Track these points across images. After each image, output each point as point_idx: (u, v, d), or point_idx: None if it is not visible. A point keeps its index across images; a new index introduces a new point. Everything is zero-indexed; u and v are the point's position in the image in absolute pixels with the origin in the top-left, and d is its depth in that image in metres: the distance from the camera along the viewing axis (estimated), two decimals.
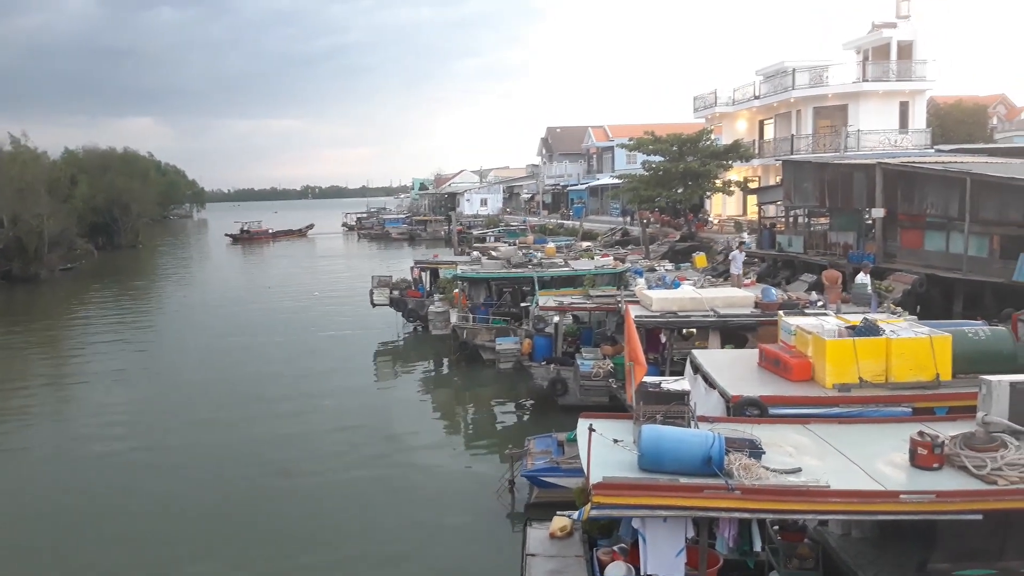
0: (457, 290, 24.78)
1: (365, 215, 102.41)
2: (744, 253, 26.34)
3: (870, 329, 10.18)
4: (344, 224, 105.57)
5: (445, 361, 24.10)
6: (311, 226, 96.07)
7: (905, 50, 39.07)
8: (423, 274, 30.07)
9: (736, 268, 24.42)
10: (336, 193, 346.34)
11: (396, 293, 28.87)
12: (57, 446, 17.27)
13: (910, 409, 9.40)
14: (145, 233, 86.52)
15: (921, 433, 7.41)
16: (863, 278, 18.60)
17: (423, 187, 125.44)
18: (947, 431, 7.75)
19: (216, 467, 15.41)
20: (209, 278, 54.34)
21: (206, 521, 12.93)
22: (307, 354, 25.67)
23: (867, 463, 7.42)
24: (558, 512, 9.24)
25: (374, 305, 29.13)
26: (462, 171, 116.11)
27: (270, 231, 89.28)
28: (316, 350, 26.30)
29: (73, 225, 58.09)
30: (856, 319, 10.99)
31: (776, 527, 8.46)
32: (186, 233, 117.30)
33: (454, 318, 24.05)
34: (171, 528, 12.67)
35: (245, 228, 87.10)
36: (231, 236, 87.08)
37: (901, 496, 6.64)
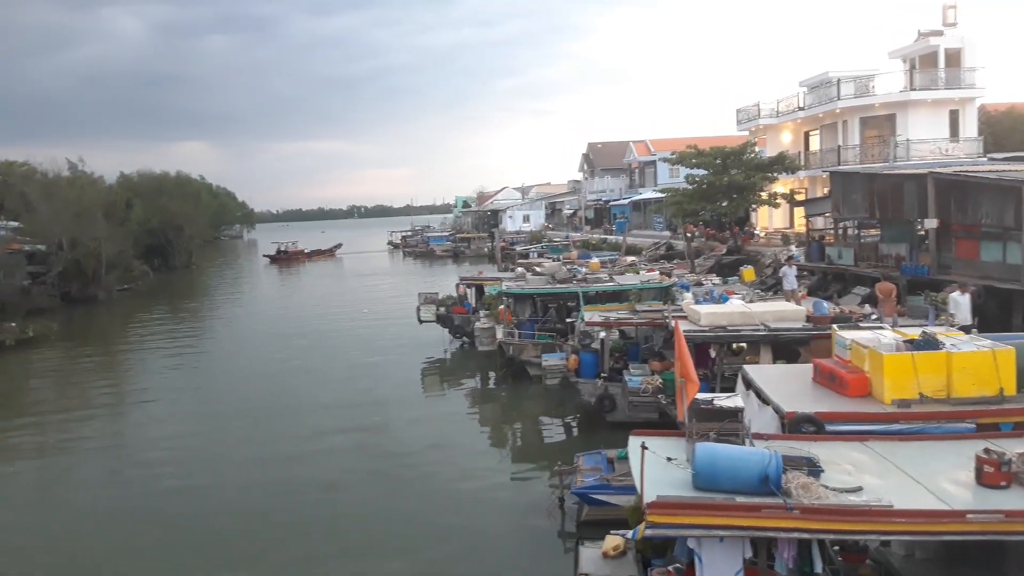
0: (502, 306, 24.85)
1: (410, 233, 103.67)
2: (795, 267, 25.78)
3: (929, 343, 9.93)
4: (389, 242, 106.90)
5: (492, 377, 24.15)
6: (339, 245, 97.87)
7: (953, 58, 38.24)
8: (468, 291, 30.22)
9: (790, 283, 23.98)
10: (381, 212, 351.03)
11: (442, 310, 29.04)
12: (114, 463, 17.72)
13: (973, 425, 9.14)
14: (198, 254, 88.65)
15: (987, 450, 7.19)
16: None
17: (466, 205, 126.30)
18: (1014, 448, 7.50)
19: (262, 480, 15.68)
20: (259, 296, 55.45)
21: (247, 534, 13.13)
22: (356, 370, 25.96)
23: (930, 481, 7.22)
24: (611, 531, 9.16)
25: (421, 322, 29.35)
26: (504, 188, 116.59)
27: (305, 251, 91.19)
28: (365, 366, 26.59)
29: (129, 247, 59.74)
30: (914, 332, 10.73)
31: (836, 547, 8.26)
32: (236, 253, 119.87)
33: (500, 334, 24.09)
34: (220, 541, 12.90)
35: (282, 249, 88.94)
36: (268, 256, 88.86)
37: (968, 516, 6.44)
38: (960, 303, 17.81)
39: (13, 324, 34.98)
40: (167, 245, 77.90)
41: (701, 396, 8.66)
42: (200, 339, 36.36)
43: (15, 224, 47.02)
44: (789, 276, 24.14)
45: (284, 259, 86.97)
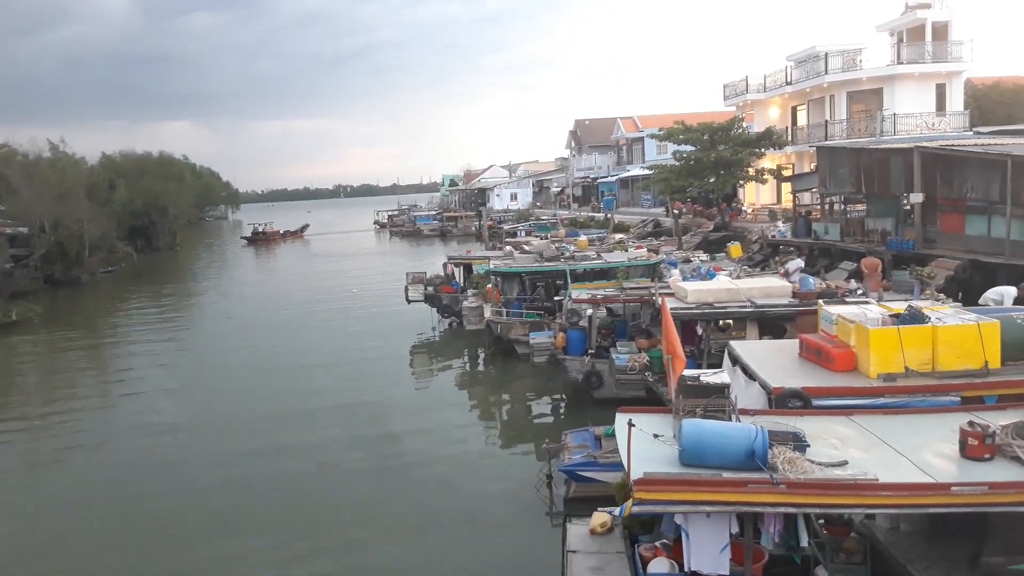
0: (490, 285, 24.80)
1: (396, 212, 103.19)
2: (802, 260, 24.90)
3: (915, 317, 9.94)
4: (376, 222, 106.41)
5: (480, 355, 24.14)
6: (306, 226, 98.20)
7: (940, 31, 38.14)
8: (456, 270, 30.12)
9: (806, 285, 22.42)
10: (367, 191, 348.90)
11: (430, 289, 28.96)
12: (99, 446, 17.61)
13: (958, 398, 9.17)
14: (182, 235, 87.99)
15: (971, 423, 7.22)
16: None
17: (453, 183, 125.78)
18: (998, 420, 7.54)
19: (249, 459, 15.70)
20: (244, 278, 55.09)
21: (238, 513, 13.13)
22: (344, 350, 25.89)
23: (915, 455, 7.25)
24: (598, 508, 9.17)
25: (409, 301, 29.25)
26: (491, 166, 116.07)
27: (280, 232, 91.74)
28: (353, 346, 26.54)
29: (113, 229, 59.21)
30: (899, 307, 10.74)
31: (822, 521, 8.31)
32: (221, 234, 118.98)
33: (488, 313, 24.07)
34: (210, 519, 12.89)
35: (259, 230, 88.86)
36: (246, 238, 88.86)
37: (952, 488, 6.47)
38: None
39: None
40: (151, 226, 77.26)
41: (688, 372, 8.65)
42: (185, 320, 36.14)
43: None
44: (807, 279, 22.77)
45: (263, 240, 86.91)
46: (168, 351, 28.39)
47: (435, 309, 28.62)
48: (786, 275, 20.72)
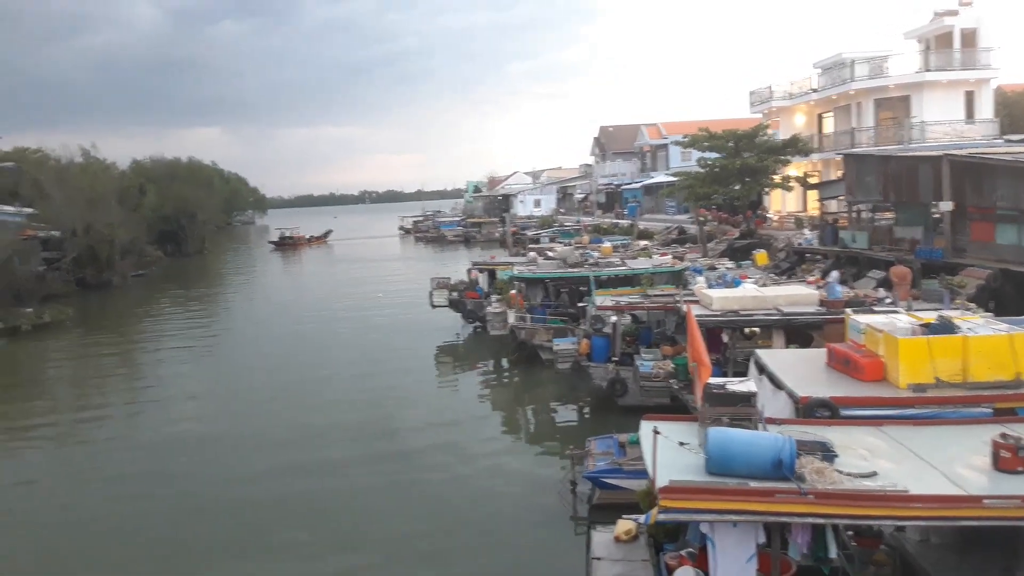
0: (514, 291, 24.83)
1: (420, 218, 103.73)
2: (842, 275, 22.39)
3: (945, 326, 9.82)
4: (400, 228, 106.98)
5: (504, 361, 24.18)
6: (329, 232, 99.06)
7: (969, 38, 37.69)
8: (480, 275, 30.21)
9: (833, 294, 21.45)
10: (392, 197, 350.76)
11: (455, 295, 29.07)
12: (129, 446, 17.87)
13: (990, 410, 9.03)
14: (211, 239, 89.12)
15: (1004, 435, 7.11)
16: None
17: (477, 190, 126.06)
18: None
19: (273, 462, 15.85)
20: (271, 282, 55.68)
21: (265, 521, 13.22)
22: (370, 355, 26.08)
23: (946, 466, 7.16)
24: (623, 516, 9.15)
25: (434, 307, 29.39)
26: (515, 173, 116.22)
27: (307, 237, 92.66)
28: (378, 350, 26.71)
29: (143, 233, 60.10)
30: (929, 316, 10.62)
31: (851, 533, 8.23)
32: (249, 239, 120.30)
33: (512, 319, 24.09)
34: (237, 522, 13.02)
35: (286, 235, 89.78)
36: (273, 243, 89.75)
37: (985, 501, 6.38)
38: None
39: (29, 310, 35.33)
40: (180, 231, 78.21)
41: (714, 381, 8.61)
42: (213, 324, 36.58)
43: (29, 211, 47.26)
44: (835, 287, 21.95)
45: (290, 245, 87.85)
46: (196, 354, 28.77)
47: (459, 314, 28.72)
48: (822, 284, 20.46)
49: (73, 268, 47.55)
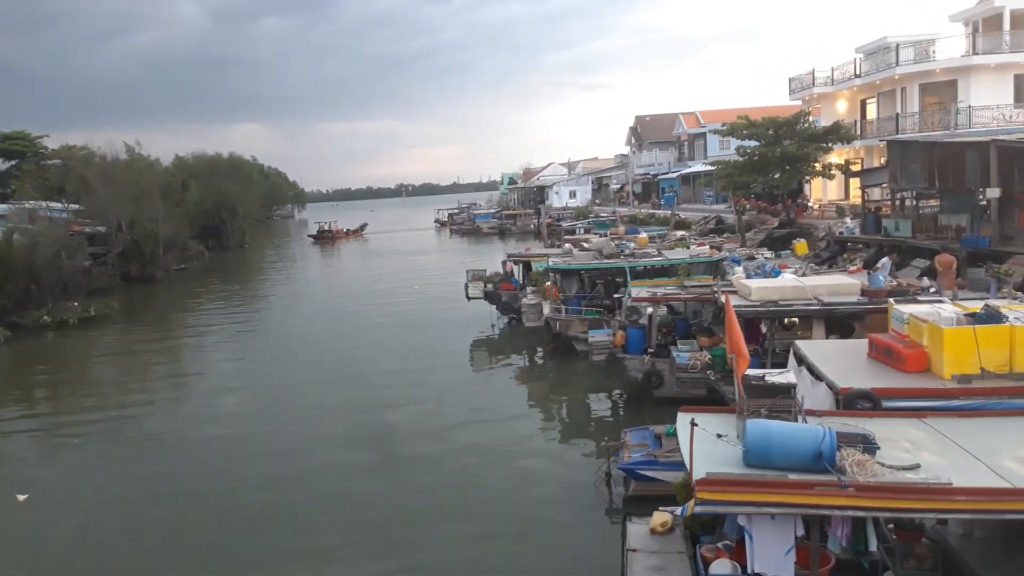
0: (549, 282, 24.80)
1: (456, 211, 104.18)
2: (892, 261, 22.56)
3: (992, 316, 9.56)
4: (436, 220, 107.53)
5: (539, 353, 24.18)
6: (365, 225, 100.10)
7: (1019, 20, 36.50)
8: (515, 267, 30.24)
9: (884, 277, 19.29)
10: (428, 191, 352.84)
11: (490, 286, 29.13)
12: (173, 440, 18.24)
13: None
14: (251, 233, 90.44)
15: None
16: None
17: (512, 182, 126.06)
18: None
19: (315, 452, 16.07)
20: (310, 275, 56.39)
21: (302, 511, 13.36)
22: (407, 347, 26.29)
23: (992, 459, 6.98)
24: (659, 508, 9.11)
25: (469, 298, 29.50)
26: (550, 164, 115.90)
27: (345, 230, 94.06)
28: (415, 342, 26.91)
29: (185, 228, 61.27)
30: (975, 306, 10.35)
31: (891, 526, 8.08)
32: (288, 233, 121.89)
33: (547, 310, 24.07)
34: (279, 510, 13.23)
35: (325, 228, 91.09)
36: (312, 236, 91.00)
37: None
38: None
39: (76, 303, 36.23)
40: (221, 225, 79.53)
41: (752, 372, 8.51)
42: (255, 317, 37.16)
43: (76, 206, 48.46)
44: (885, 269, 20.76)
45: (328, 237, 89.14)
46: (236, 349, 29.28)
47: (494, 306, 28.78)
48: (877, 267, 20.21)
49: (118, 262, 48.67)
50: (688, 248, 27.64)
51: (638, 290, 19.29)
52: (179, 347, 30.86)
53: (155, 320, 38.16)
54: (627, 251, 25.35)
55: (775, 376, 8.24)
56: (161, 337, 32.80)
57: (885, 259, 22.90)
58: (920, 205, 27.53)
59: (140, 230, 50.13)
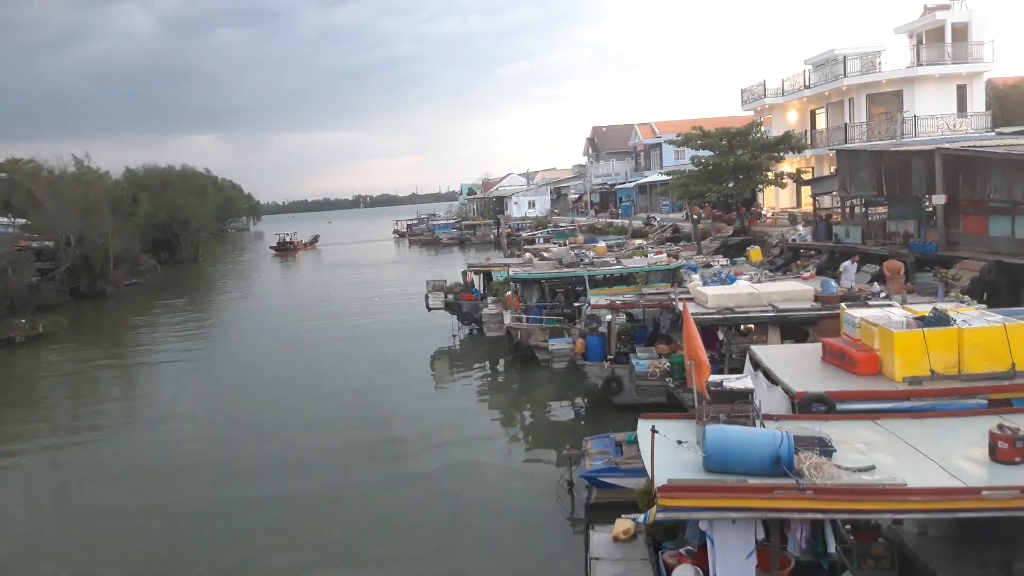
0: (510, 292, 24.81)
1: (415, 222, 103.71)
2: (856, 263, 22.21)
3: (940, 319, 9.83)
4: (395, 231, 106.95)
5: (500, 362, 24.15)
6: (317, 237, 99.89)
7: (960, 32, 37.78)
8: (476, 277, 30.19)
9: (848, 280, 20.27)
10: (387, 201, 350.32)
11: (451, 297, 29.04)
12: (124, 458, 17.76)
13: (985, 401, 9.06)
14: (205, 247, 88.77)
15: (1001, 426, 7.11)
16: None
17: (471, 192, 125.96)
18: None
19: (271, 475, 15.72)
20: (268, 288, 55.49)
21: (259, 528, 13.14)
22: (367, 357, 26.03)
23: (944, 459, 7.16)
24: (621, 515, 9.13)
25: (429, 309, 29.35)
26: (509, 174, 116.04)
27: (303, 242, 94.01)
28: (375, 353, 26.65)
29: (136, 242, 59.87)
30: (923, 309, 10.63)
31: (849, 527, 8.22)
32: (243, 245, 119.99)
33: (508, 320, 24.07)
34: (244, 527, 12.95)
35: (286, 240, 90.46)
36: (273, 248, 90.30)
37: (983, 493, 6.38)
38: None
39: (23, 321, 35.14)
40: (174, 239, 77.97)
41: (710, 378, 8.60)
42: (207, 333, 36.45)
43: (23, 221, 47.11)
44: (849, 272, 21.17)
45: (290, 249, 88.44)
46: (189, 366, 28.61)
47: (455, 316, 28.69)
48: (841, 276, 20.60)
49: (67, 278, 47.35)
50: (646, 256, 27.90)
51: (597, 298, 19.42)
52: (130, 365, 30.09)
53: (106, 337, 37.15)
54: (586, 260, 25.48)
55: (733, 381, 8.35)
56: (112, 355, 31.95)
57: (848, 262, 23.26)
58: (869, 212, 28.23)
59: (89, 244, 48.80)
